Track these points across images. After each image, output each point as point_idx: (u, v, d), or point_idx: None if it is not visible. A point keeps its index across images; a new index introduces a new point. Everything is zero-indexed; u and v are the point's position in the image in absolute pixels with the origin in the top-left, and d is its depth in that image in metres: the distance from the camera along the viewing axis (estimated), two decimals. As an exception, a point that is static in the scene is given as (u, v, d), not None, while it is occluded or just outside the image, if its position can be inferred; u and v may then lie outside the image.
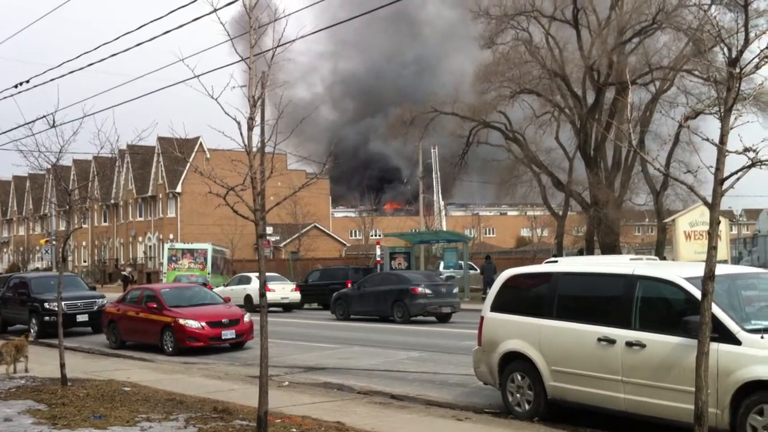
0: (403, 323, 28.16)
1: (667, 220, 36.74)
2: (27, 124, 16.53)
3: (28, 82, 19.67)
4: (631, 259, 11.91)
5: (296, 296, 37.68)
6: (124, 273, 46.28)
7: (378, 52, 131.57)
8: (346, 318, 30.84)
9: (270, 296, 34.56)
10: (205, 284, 34.93)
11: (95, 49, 17.16)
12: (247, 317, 21.70)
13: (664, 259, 32.21)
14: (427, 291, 28.75)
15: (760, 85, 8.97)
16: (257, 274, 40.58)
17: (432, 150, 68.11)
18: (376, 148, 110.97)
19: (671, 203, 40.85)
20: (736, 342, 8.83)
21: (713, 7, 33.31)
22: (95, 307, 25.98)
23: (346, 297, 31.56)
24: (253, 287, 36.39)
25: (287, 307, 36.94)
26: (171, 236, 75.75)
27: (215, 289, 32.11)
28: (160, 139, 66.27)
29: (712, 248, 7.84)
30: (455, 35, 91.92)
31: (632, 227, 59.35)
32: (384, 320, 29.24)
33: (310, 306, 39.05)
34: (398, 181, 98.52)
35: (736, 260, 39.32)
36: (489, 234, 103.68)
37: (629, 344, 9.80)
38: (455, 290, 30.76)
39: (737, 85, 7.69)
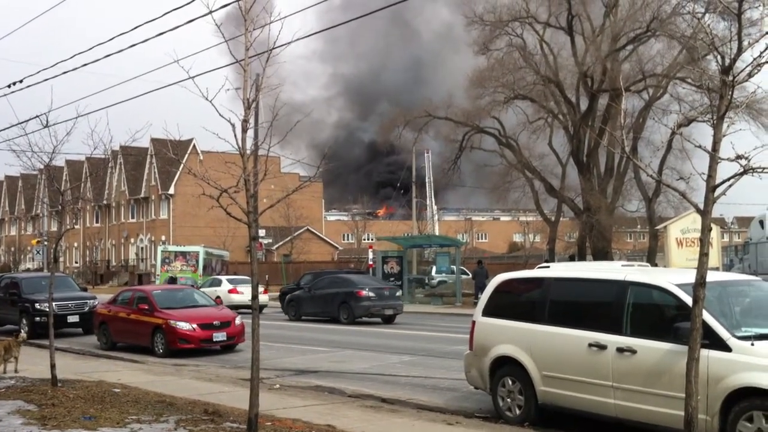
0: (348, 324, 29.46)
1: (659, 227, 36.86)
2: (20, 123, 16.51)
3: (21, 81, 19.63)
4: (623, 266, 11.94)
5: (264, 298, 38.36)
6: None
7: (374, 55, 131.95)
8: (298, 319, 32.20)
9: (238, 298, 35.19)
10: (193, 285, 35.04)
11: (89, 49, 17.11)
12: (238, 320, 21.65)
13: (655, 265, 32.29)
14: (371, 294, 30.29)
15: (752, 93, 9.04)
16: (228, 276, 40.74)
17: (425, 154, 68.27)
18: (370, 149, 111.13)
19: (663, 210, 41.02)
20: (727, 349, 8.85)
21: (707, 15, 33.46)
22: (86, 308, 25.89)
23: (298, 299, 33.10)
24: (222, 289, 37.61)
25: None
26: (163, 238, 75.62)
27: None
28: (154, 141, 66.13)
29: (703, 255, 7.87)
30: (452, 38, 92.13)
31: (624, 233, 59.60)
32: (333, 321, 30.36)
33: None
34: (395, 176, 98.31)
35: (728, 267, 39.40)
36: (481, 239, 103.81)
37: (620, 350, 9.82)
38: (398, 294, 32.52)
39: (730, 93, 7.73)
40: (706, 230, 7.90)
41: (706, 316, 8.64)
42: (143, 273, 75.49)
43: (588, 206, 39.57)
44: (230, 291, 36.97)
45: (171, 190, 76.19)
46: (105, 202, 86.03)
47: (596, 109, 40.37)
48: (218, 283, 39.27)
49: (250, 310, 33.20)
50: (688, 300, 8.69)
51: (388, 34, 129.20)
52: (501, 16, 40.49)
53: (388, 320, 30.43)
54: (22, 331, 24.73)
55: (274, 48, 10.08)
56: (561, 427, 10.83)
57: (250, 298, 36.00)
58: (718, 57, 7.97)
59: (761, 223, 37.71)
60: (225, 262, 57.15)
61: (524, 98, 41.42)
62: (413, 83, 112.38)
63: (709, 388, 8.77)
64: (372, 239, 75.55)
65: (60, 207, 15.66)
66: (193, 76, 10.36)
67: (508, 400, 11.41)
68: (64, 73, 18.41)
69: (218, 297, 36.36)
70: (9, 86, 19.89)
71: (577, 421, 10.74)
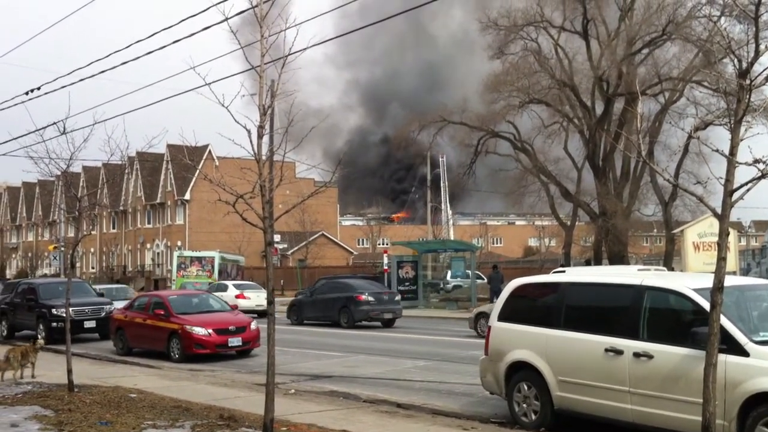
0: (349, 328, 30.15)
1: (675, 231, 36.62)
2: (38, 130, 16.58)
3: (39, 89, 19.75)
4: (639, 270, 11.88)
5: None
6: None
7: (389, 60, 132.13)
8: (300, 323, 32.81)
9: (245, 303, 35.62)
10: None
11: (106, 56, 17.21)
12: (253, 325, 21.70)
13: (672, 270, 32.13)
14: (371, 299, 31.00)
15: (770, 97, 8.97)
16: (235, 282, 41.41)
17: (440, 159, 68.21)
18: (385, 154, 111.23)
19: (680, 214, 40.77)
20: (744, 354, 8.79)
21: (723, 18, 33.27)
22: (103, 314, 26.03)
23: (300, 304, 33.93)
24: (229, 294, 37.56)
25: (262, 314, 37.45)
26: (179, 243, 75.87)
27: None
28: (170, 147, 66.47)
29: (721, 259, 7.83)
30: (467, 43, 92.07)
31: (640, 238, 59.20)
32: (334, 325, 30.95)
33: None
34: (410, 180, 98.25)
35: (745, 272, 39.17)
36: (497, 243, 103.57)
37: (637, 355, 9.77)
38: (397, 298, 33.10)
39: (747, 96, 7.69)
40: (723, 234, 7.86)
41: (724, 321, 8.59)
42: (159, 278, 75.72)
43: (604, 210, 39.41)
44: (237, 296, 37.08)
45: (187, 196, 76.45)
46: (121, 207, 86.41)
47: (612, 113, 40.21)
48: (224, 288, 39.28)
49: (256, 315, 33.19)
50: (706, 305, 8.63)
51: (403, 39, 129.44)
52: (515, 20, 40.44)
53: (388, 324, 31.02)
54: (39, 336, 24.86)
55: (289, 54, 10.11)
56: (577, 432, 10.78)
57: (256, 303, 36.33)
58: (735, 60, 7.93)
59: (779, 227, 37.42)
60: (240, 267, 57.26)
61: (539, 102, 41.33)
62: (428, 87, 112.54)
63: (727, 393, 8.70)
64: (387, 244, 75.51)
65: (77, 213, 15.74)
66: (209, 83, 10.41)
67: (524, 405, 11.37)
68: (81, 80, 18.52)
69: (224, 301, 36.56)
70: (27, 93, 20.02)
71: (593, 426, 10.68)
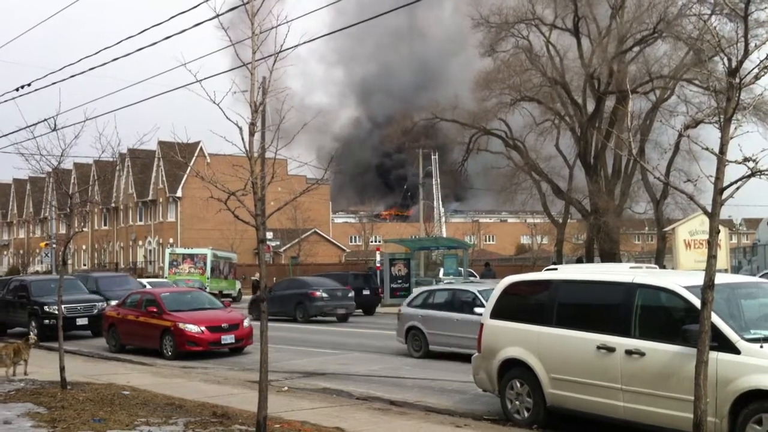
0: (304, 322, 31.75)
1: (666, 229, 36.73)
2: (28, 127, 16.52)
3: (29, 85, 19.67)
4: (631, 268, 11.93)
5: None
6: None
7: (381, 57, 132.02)
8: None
9: None
10: (201, 288, 35.11)
11: (97, 53, 17.15)
12: (246, 322, 21.68)
13: (663, 267, 32.22)
14: (324, 295, 32.67)
15: (759, 95, 9.05)
16: (149, 280, 40.76)
17: (432, 156, 68.14)
18: (377, 151, 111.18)
19: (671, 212, 40.89)
20: (736, 351, 8.84)
21: (713, 17, 33.41)
22: (95, 311, 25.96)
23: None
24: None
25: None
26: (171, 240, 75.73)
27: None
28: (161, 144, 66.26)
29: (711, 257, 7.87)
30: (459, 40, 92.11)
31: (632, 235, 59.41)
32: (292, 320, 32.37)
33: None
34: (402, 177, 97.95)
35: (736, 269, 39.31)
36: (489, 241, 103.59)
37: (629, 352, 9.81)
38: (350, 294, 33.98)
39: (737, 94, 7.73)
40: (714, 232, 7.90)
41: (715, 319, 8.63)
42: (151, 275, 75.56)
43: (595, 208, 39.48)
44: None
45: (179, 193, 76.31)
46: (113, 204, 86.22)
47: (603, 111, 40.27)
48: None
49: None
50: (697, 302, 8.68)
51: (395, 36, 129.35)
52: (507, 18, 40.43)
53: (342, 319, 32.52)
54: (32, 333, 24.82)
55: (281, 51, 10.09)
56: (570, 429, 10.82)
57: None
58: (725, 59, 7.98)
59: (770, 224, 37.58)
60: (233, 264, 57.16)
61: (531, 100, 41.34)
62: (420, 84, 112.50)
63: (718, 390, 8.75)
64: (379, 241, 75.49)
65: (68, 210, 15.70)
66: (201, 80, 10.40)
67: (517, 402, 11.41)
68: (72, 76, 18.47)
69: (225, 300, 36.44)
70: (17, 89, 19.95)
71: (586, 423, 10.73)
